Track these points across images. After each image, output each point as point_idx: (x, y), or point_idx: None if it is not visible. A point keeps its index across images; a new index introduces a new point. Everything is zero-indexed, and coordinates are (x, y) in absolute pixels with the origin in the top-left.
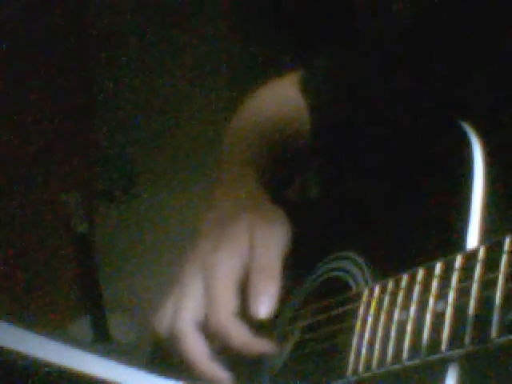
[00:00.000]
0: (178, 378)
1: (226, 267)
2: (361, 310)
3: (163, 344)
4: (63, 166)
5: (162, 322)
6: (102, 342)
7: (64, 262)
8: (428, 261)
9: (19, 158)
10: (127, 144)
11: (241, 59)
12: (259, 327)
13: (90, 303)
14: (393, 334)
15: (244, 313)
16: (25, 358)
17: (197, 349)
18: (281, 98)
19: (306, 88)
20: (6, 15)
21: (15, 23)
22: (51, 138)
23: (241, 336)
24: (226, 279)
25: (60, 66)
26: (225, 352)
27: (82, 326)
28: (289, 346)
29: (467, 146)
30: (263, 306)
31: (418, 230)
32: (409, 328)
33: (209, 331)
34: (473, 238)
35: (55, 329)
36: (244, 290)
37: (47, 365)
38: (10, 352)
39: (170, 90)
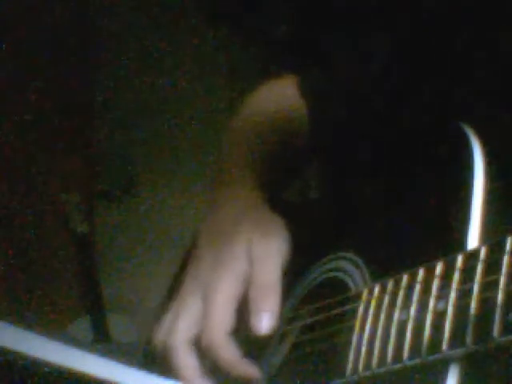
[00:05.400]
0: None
1: (224, 285)
2: (360, 310)
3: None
4: (63, 166)
5: (158, 336)
6: (102, 341)
7: (64, 262)
8: (428, 261)
9: (19, 158)
10: (127, 144)
11: (241, 59)
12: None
13: (89, 303)
14: (393, 333)
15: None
16: (25, 357)
17: (187, 365)
18: (280, 98)
19: (304, 89)
20: (7, 15)
21: (15, 23)
22: (51, 138)
23: (230, 357)
24: (224, 297)
25: (60, 65)
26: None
27: (82, 326)
28: (288, 346)
29: (467, 146)
30: (263, 323)
31: (418, 231)
32: (409, 327)
33: (201, 348)
34: (473, 237)
35: (55, 329)
36: (243, 307)
37: (47, 365)
38: (9, 352)
39: (169, 90)
